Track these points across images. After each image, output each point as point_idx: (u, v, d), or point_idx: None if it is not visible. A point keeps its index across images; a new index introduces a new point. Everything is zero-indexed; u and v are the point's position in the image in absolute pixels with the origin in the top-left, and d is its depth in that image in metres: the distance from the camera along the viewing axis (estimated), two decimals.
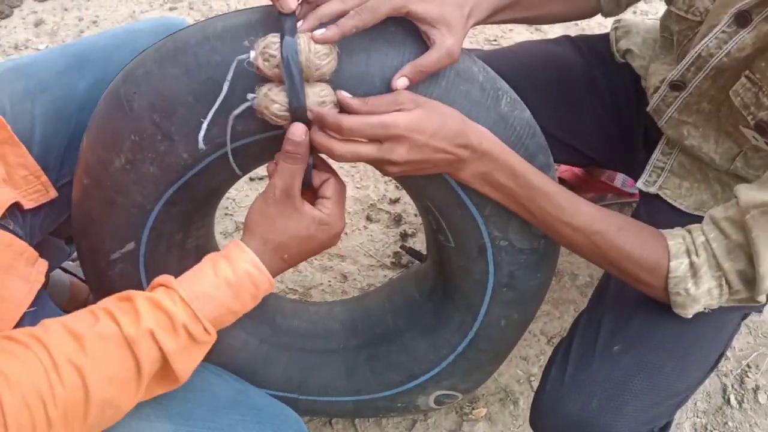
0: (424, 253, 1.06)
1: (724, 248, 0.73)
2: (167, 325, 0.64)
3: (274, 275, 0.70)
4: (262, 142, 0.73)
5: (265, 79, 0.67)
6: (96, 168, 0.76)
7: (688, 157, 0.94)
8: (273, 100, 0.66)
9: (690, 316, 0.78)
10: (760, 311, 0.98)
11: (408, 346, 1.00)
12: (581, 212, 0.76)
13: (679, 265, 0.75)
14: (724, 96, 0.84)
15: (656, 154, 0.96)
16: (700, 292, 0.75)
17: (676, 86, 0.88)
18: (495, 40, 1.89)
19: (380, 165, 0.71)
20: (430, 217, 0.88)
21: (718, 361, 0.91)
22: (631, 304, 0.88)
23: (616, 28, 1.08)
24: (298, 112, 0.66)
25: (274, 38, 0.65)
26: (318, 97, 0.67)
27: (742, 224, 0.71)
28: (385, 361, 1.01)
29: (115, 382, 0.62)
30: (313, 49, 0.65)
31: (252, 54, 0.65)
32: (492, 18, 0.80)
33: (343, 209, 0.74)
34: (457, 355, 0.97)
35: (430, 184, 0.79)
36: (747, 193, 0.71)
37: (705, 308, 0.78)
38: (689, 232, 0.76)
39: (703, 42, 0.81)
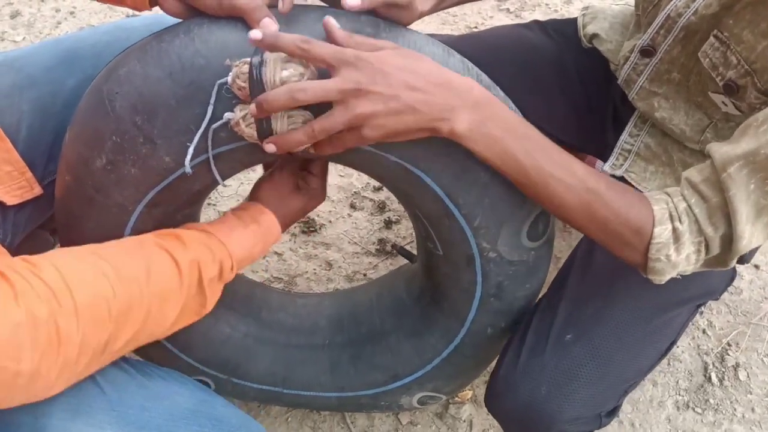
0: (415, 252, 1.06)
1: (706, 213, 0.71)
2: (209, 257, 0.74)
3: None
4: (245, 149, 0.72)
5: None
6: (77, 165, 0.75)
7: (655, 138, 0.95)
8: (243, 130, 0.67)
9: (663, 282, 0.76)
10: (717, 298, 1.00)
11: (393, 347, 1.00)
12: (574, 169, 0.73)
13: (663, 231, 0.72)
14: (693, 62, 0.84)
15: (624, 136, 0.97)
16: (680, 258, 0.73)
17: (647, 52, 0.88)
18: (476, 27, 1.90)
19: (347, 105, 0.65)
20: (419, 224, 0.88)
21: (668, 350, 0.93)
22: (586, 292, 0.90)
23: (584, 15, 1.09)
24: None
25: (245, 67, 0.65)
26: (286, 126, 0.67)
27: (719, 184, 0.70)
28: (370, 360, 1.01)
29: (162, 296, 0.71)
30: (281, 78, 0.64)
31: (230, 78, 0.66)
32: (442, 4, 0.80)
33: (326, 182, 0.90)
34: (441, 360, 0.96)
35: (418, 193, 0.79)
36: (720, 150, 0.70)
37: (678, 275, 0.77)
38: (669, 196, 0.74)
39: (671, 3, 0.82)
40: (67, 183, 0.78)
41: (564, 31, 1.10)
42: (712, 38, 0.80)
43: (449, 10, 1.93)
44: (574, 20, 1.11)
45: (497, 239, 0.81)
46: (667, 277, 0.75)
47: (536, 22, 1.14)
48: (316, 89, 0.63)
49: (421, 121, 0.67)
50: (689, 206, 0.72)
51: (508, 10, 1.94)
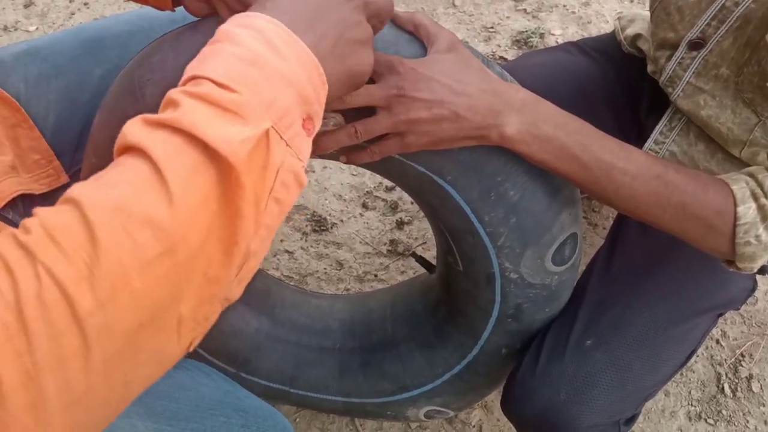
0: (434, 262, 1.05)
1: None
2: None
3: None
4: None
5: None
6: (103, 148, 0.74)
7: (680, 147, 0.93)
8: None
9: (755, 270, 0.73)
10: (738, 308, 0.99)
11: (404, 357, 0.98)
12: (635, 156, 0.70)
13: (747, 210, 0.69)
14: (749, 53, 0.80)
15: (649, 143, 0.95)
16: None
17: (696, 45, 0.84)
18: (492, 27, 1.88)
19: (390, 110, 0.64)
20: (442, 238, 0.86)
21: (688, 358, 0.92)
22: (606, 299, 0.89)
23: (619, 19, 1.09)
24: None
25: None
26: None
27: None
28: (379, 368, 1.00)
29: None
30: None
31: None
32: None
33: None
34: (452, 376, 0.95)
35: (443, 206, 0.77)
36: None
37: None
38: (751, 175, 0.71)
39: None
40: (93, 166, 0.77)
41: (601, 48, 1.09)
42: None
43: (465, 9, 1.92)
44: (608, 35, 1.10)
45: (521, 260, 0.79)
46: (759, 263, 0.72)
47: (572, 44, 1.13)
48: (361, 92, 0.63)
49: (467, 128, 0.65)
50: None
51: (525, 10, 1.92)
